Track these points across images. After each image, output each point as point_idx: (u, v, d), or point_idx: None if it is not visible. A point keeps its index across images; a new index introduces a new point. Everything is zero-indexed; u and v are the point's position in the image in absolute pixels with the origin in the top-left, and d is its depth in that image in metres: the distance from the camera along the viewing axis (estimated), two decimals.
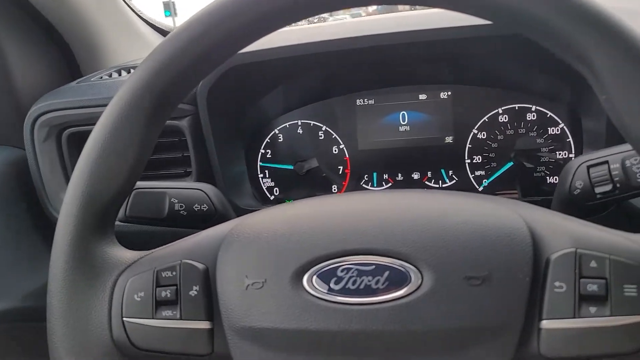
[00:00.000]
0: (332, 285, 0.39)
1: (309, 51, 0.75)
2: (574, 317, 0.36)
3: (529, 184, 0.81)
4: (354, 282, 0.38)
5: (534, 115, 0.80)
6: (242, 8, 0.39)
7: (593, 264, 0.36)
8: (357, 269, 0.39)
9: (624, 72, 0.34)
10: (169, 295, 0.42)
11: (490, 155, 0.82)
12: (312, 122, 0.87)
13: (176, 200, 0.62)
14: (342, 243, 0.40)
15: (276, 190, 0.90)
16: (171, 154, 0.81)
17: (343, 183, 0.88)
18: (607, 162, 0.56)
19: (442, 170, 0.84)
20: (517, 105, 0.80)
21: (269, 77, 0.81)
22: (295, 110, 0.88)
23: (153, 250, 0.46)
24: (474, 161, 0.83)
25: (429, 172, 0.85)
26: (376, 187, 0.87)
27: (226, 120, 0.81)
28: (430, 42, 0.72)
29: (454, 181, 0.84)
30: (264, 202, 0.89)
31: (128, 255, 0.45)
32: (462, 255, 0.38)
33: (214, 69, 0.44)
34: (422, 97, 0.83)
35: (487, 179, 0.83)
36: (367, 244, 0.39)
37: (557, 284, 0.37)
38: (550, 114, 0.79)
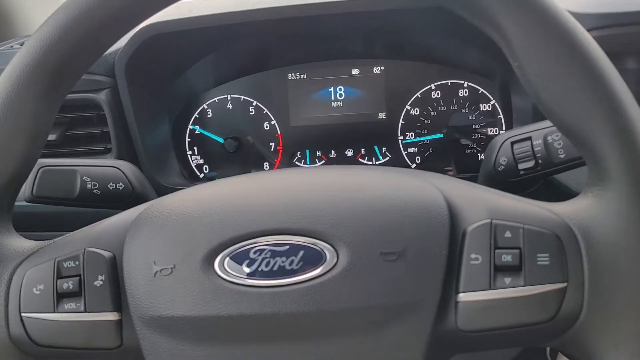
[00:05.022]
0: (244, 267, 0.36)
1: (236, 20, 0.71)
2: (490, 289, 0.35)
3: (462, 160, 0.81)
4: (267, 264, 0.36)
5: (466, 92, 0.80)
6: None
7: (507, 234, 0.36)
8: (270, 250, 0.37)
9: (534, 39, 0.34)
10: (71, 286, 0.38)
11: (423, 131, 0.82)
12: (242, 97, 0.83)
13: (89, 179, 0.58)
14: (255, 223, 0.37)
15: (206, 168, 0.86)
16: (89, 129, 0.76)
17: (275, 160, 0.85)
18: (530, 138, 0.56)
19: (376, 147, 0.83)
20: (449, 81, 0.80)
21: (195, 48, 0.77)
22: (224, 84, 0.84)
23: (54, 239, 0.42)
24: (407, 138, 0.82)
25: (362, 149, 0.84)
26: (309, 164, 0.85)
27: (148, 93, 0.76)
28: (362, 14, 0.70)
29: (388, 158, 0.84)
30: (193, 180, 0.85)
31: (26, 245, 0.41)
32: (377, 230, 0.36)
33: (118, 38, 0.40)
34: (355, 71, 0.81)
35: (420, 156, 0.83)
36: (280, 224, 0.37)
37: (473, 256, 0.36)
38: (482, 90, 0.80)
